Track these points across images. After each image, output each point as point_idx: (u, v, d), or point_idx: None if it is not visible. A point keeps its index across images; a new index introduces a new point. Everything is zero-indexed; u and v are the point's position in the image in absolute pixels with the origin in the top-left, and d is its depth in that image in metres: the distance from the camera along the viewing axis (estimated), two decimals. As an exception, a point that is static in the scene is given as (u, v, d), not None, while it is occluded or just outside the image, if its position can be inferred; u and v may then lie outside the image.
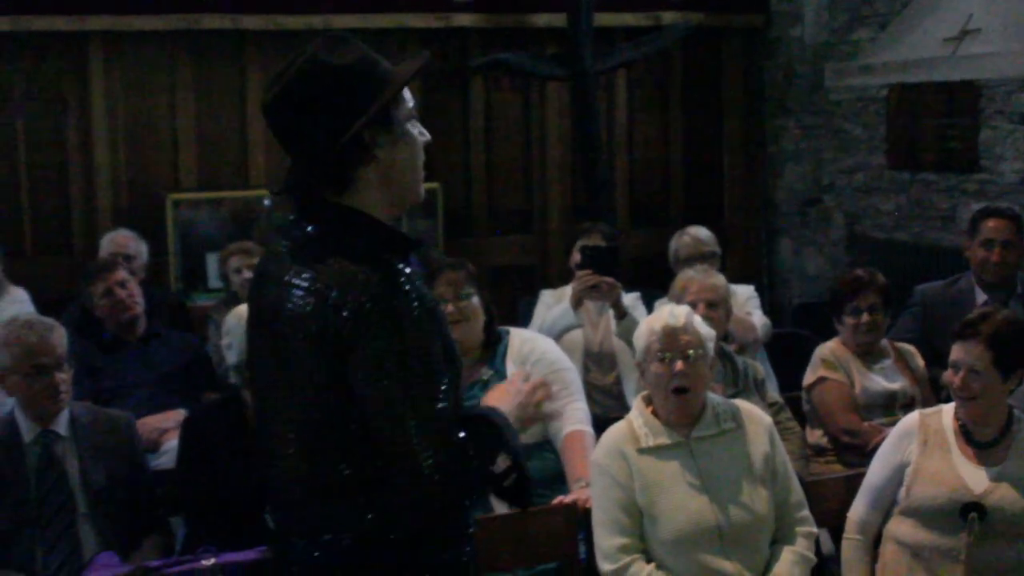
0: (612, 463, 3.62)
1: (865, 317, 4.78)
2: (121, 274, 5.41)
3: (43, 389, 3.94)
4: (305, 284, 2.33)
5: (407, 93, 2.47)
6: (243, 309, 4.00)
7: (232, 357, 4.05)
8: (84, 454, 3.97)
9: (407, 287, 2.32)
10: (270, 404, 2.49)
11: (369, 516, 2.34)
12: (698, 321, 3.73)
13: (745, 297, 5.78)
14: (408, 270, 2.37)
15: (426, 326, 2.32)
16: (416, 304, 2.31)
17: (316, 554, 2.40)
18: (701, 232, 5.97)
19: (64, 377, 3.99)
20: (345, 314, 2.26)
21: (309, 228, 2.42)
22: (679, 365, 3.61)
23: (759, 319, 5.64)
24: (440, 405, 2.29)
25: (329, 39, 2.42)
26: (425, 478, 2.26)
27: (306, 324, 2.32)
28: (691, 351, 3.62)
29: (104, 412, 4.22)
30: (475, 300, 4.25)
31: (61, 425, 3.99)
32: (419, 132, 2.49)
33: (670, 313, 3.71)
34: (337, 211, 2.40)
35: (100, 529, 3.91)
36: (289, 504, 2.46)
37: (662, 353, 3.63)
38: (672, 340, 3.64)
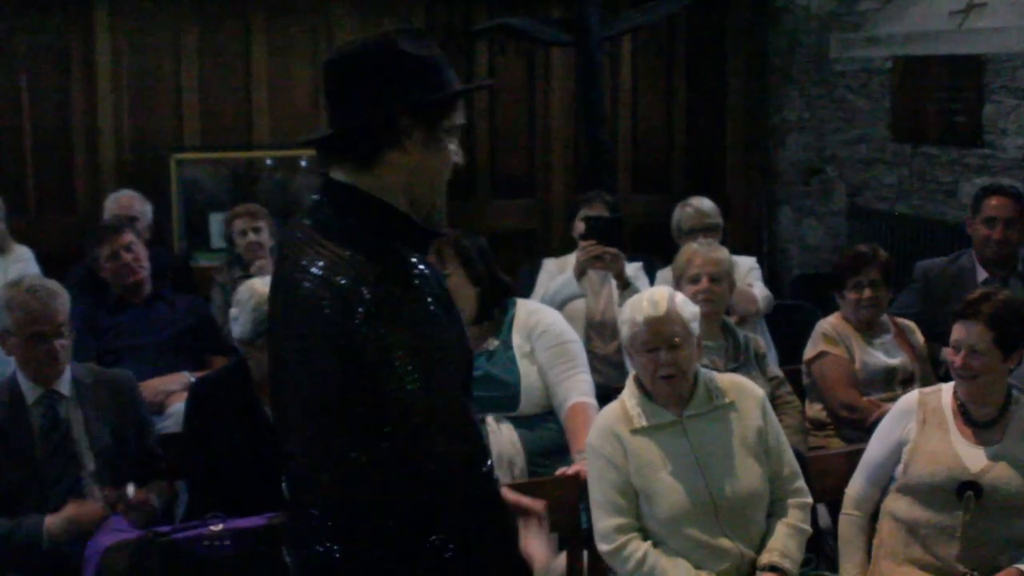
0: (606, 445, 3.65)
1: (867, 292, 4.82)
2: (128, 237, 5.43)
3: (42, 355, 3.97)
4: (319, 273, 2.35)
5: (460, 111, 2.50)
6: (256, 283, 4.03)
7: (237, 330, 4.06)
8: (88, 414, 4.01)
9: (417, 281, 2.34)
10: (284, 386, 2.52)
11: (385, 492, 2.36)
12: (680, 302, 3.73)
13: (747, 269, 5.80)
14: (421, 264, 2.39)
15: (438, 319, 2.35)
16: (427, 299, 2.34)
17: (330, 523, 2.43)
18: (704, 203, 5.98)
19: (64, 343, 4.01)
20: (357, 308, 2.28)
21: (330, 212, 2.44)
22: (665, 355, 3.62)
23: (760, 291, 5.66)
24: (452, 398, 2.33)
25: (411, 29, 2.45)
26: (441, 468, 2.31)
27: (318, 315, 2.33)
28: (676, 339, 3.63)
29: (106, 372, 4.26)
30: (454, 279, 4.15)
31: (64, 386, 4.03)
32: (454, 150, 2.50)
33: (650, 302, 3.68)
34: (358, 196, 2.42)
35: (106, 487, 3.93)
36: (304, 479, 2.49)
37: (648, 344, 3.64)
38: (656, 331, 3.64)
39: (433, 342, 2.32)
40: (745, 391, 3.78)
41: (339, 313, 2.30)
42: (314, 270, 2.36)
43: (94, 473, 3.95)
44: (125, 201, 6.33)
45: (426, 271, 2.40)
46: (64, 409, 4.00)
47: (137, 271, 5.38)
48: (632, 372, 3.84)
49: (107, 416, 4.03)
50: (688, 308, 3.74)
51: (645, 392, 3.72)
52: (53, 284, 4.14)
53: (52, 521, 3.76)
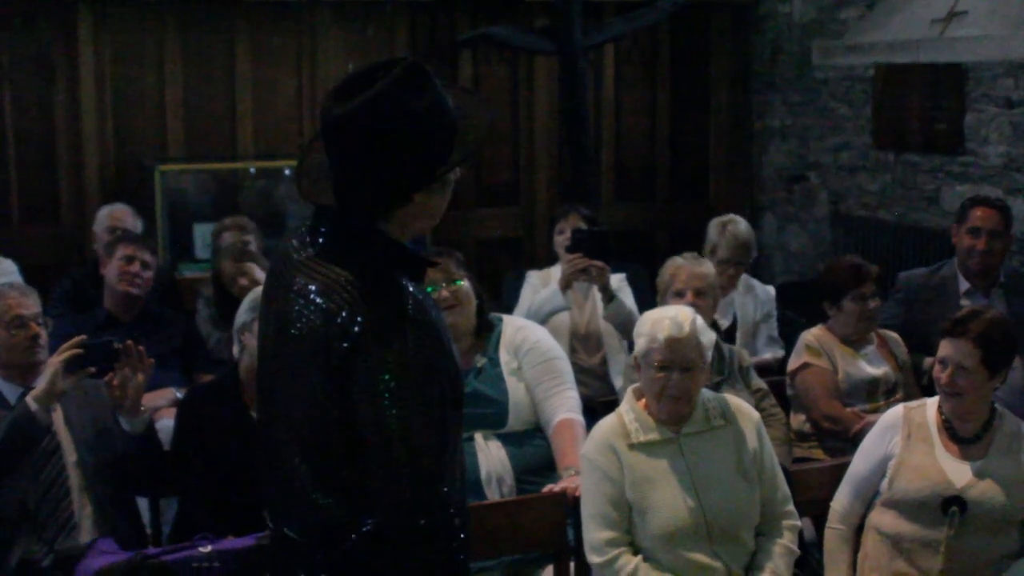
0: (602, 457, 3.65)
1: (872, 304, 4.85)
2: (148, 257, 5.50)
3: (23, 340, 4.13)
4: (314, 299, 2.37)
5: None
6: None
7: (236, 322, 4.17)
8: (67, 407, 4.08)
9: (412, 310, 2.36)
10: (274, 408, 2.55)
11: (370, 520, 2.39)
12: (700, 326, 3.73)
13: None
14: (419, 294, 2.41)
15: (430, 348, 2.36)
16: (419, 327, 2.35)
17: (318, 555, 2.46)
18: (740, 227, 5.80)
19: (42, 333, 4.19)
20: (350, 335, 2.30)
21: (327, 240, 2.45)
22: (676, 377, 3.64)
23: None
24: (429, 440, 2.35)
25: (409, 72, 2.36)
26: (400, 511, 2.35)
27: (312, 339, 2.36)
28: (690, 363, 3.65)
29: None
30: (466, 284, 4.28)
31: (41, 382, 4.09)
32: (455, 177, 2.51)
33: (674, 322, 3.68)
34: (357, 227, 2.43)
35: (87, 475, 4.04)
36: (291, 505, 2.51)
37: (662, 362, 3.65)
38: (674, 352, 3.64)
39: (423, 372, 2.34)
40: (742, 413, 3.80)
41: (331, 337, 2.32)
42: (307, 295, 2.38)
43: (77, 462, 4.04)
44: (118, 214, 6.31)
45: (421, 299, 2.41)
46: None
47: (138, 286, 5.41)
48: (631, 386, 3.86)
49: (85, 410, 4.11)
50: (707, 335, 3.75)
51: (645, 407, 3.74)
52: (25, 286, 4.40)
53: (33, 394, 3.88)
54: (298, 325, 2.40)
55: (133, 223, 6.29)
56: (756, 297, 5.73)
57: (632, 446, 3.66)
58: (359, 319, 2.31)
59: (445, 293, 4.16)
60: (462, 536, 2.46)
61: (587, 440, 3.78)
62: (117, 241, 5.56)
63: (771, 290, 5.93)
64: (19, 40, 7.45)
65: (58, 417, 4.04)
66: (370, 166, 2.37)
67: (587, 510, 3.68)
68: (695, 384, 3.68)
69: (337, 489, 2.41)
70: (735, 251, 5.67)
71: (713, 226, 5.80)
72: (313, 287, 2.38)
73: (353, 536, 2.41)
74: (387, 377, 2.30)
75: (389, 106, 2.34)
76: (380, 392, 2.30)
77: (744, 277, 5.74)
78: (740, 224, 5.78)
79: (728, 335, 5.37)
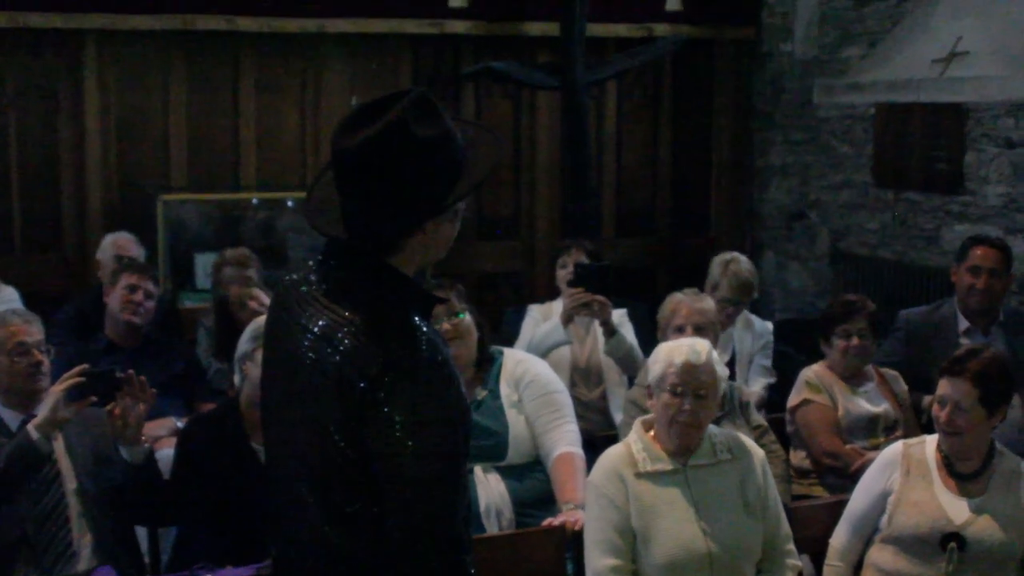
0: (609, 485, 3.67)
1: (855, 341, 4.85)
2: (151, 287, 5.53)
3: (26, 367, 4.14)
4: (327, 336, 2.36)
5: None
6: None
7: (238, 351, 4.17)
8: (68, 434, 4.08)
9: (424, 348, 2.34)
10: (281, 441, 2.53)
11: (381, 554, 2.37)
12: (715, 358, 3.78)
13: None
14: (430, 332, 2.39)
15: (440, 386, 2.35)
16: (433, 366, 2.34)
17: None
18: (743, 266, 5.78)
19: (44, 360, 4.19)
20: (365, 374, 2.29)
21: (338, 274, 2.44)
22: (690, 403, 3.67)
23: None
24: (442, 477, 2.34)
25: (418, 103, 2.36)
26: (412, 547, 2.33)
27: (324, 376, 2.34)
28: (704, 390, 3.68)
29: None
30: (468, 317, 4.30)
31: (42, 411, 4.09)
32: (463, 209, 2.50)
33: (692, 349, 3.74)
34: (369, 263, 2.41)
35: (87, 503, 4.03)
36: (298, 538, 2.50)
37: (676, 387, 3.68)
38: (689, 376, 3.68)
39: (437, 412, 2.33)
40: (747, 450, 3.83)
41: (345, 376, 2.31)
42: (319, 330, 2.38)
43: (77, 490, 4.04)
44: (122, 243, 6.34)
45: (433, 337, 2.40)
46: None
47: (138, 315, 5.42)
48: (640, 417, 3.88)
49: (86, 438, 4.12)
50: (721, 367, 3.80)
51: (653, 437, 3.76)
52: (29, 313, 4.40)
53: (34, 422, 3.88)
54: (307, 363, 2.39)
55: (137, 251, 6.32)
56: (754, 332, 5.74)
57: (639, 475, 3.68)
58: (374, 359, 2.29)
59: (447, 326, 4.18)
60: (472, 572, 2.45)
61: (594, 468, 3.79)
62: (122, 270, 5.57)
63: (769, 325, 5.94)
64: (24, 68, 7.49)
65: (59, 445, 4.04)
66: (380, 197, 2.36)
67: (591, 537, 3.68)
68: (706, 412, 3.71)
69: (347, 523, 2.39)
70: (736, 290, 5.67)
71: (716, 264, 5.78)
72: (324, 322, 2.37)
73: (363, 570, 2.40)
74: (401, 418, 2.29)
75: (397, 137, 2.33)
76: (395, 431, 2.29)
77: (743, 313, 5.75)
78: (742, 263, 5.75)
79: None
